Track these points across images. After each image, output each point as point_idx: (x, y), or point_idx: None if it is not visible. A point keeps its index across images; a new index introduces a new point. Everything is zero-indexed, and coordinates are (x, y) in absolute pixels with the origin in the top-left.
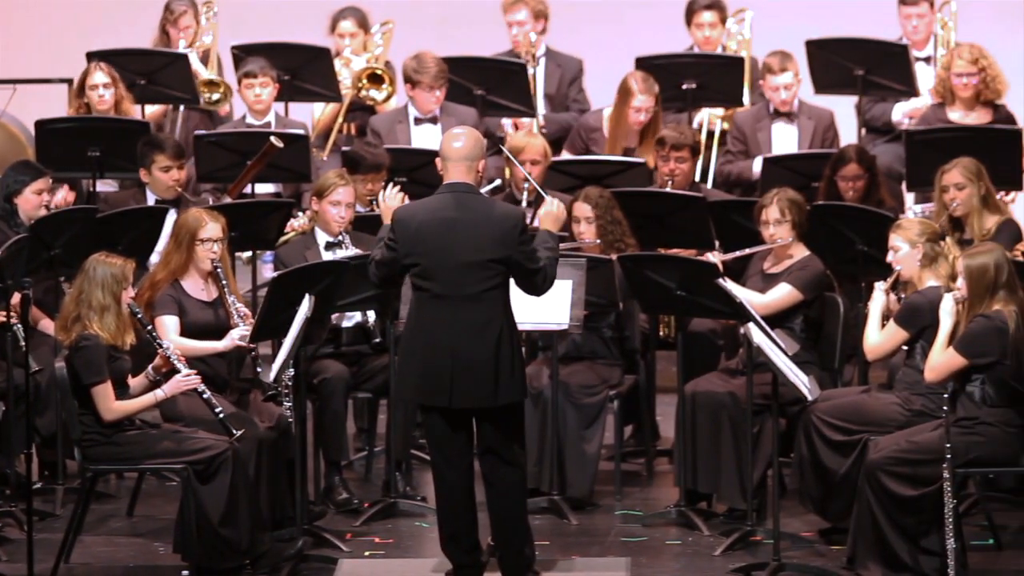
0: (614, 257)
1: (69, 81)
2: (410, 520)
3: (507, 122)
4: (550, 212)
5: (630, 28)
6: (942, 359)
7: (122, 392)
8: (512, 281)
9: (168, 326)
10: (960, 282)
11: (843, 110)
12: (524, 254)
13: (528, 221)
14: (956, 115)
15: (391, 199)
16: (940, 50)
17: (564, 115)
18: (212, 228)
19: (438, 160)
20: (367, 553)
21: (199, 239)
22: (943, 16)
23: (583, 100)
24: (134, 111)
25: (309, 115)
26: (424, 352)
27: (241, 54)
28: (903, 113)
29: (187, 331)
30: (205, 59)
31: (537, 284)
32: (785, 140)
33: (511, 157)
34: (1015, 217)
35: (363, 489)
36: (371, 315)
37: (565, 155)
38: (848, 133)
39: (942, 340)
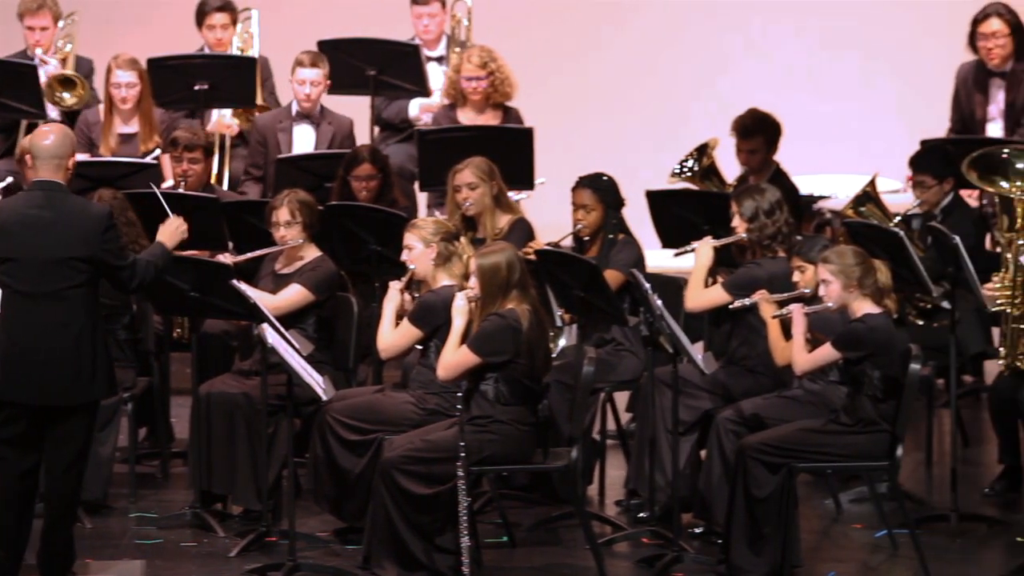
0: None
1: None
2: None
3: (416, 104)
4: (172, 227)
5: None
6: (455, 357)
7: None
8: None
9: None
10: (473, 281)
11: (357, 110)
12: (109, 252)
13: None
14: (467, 117)
15: None
16: (455, 50)
17: None
18: None
19: (28, 157)
20: None
21: None
22: (458, 13)
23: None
24: None
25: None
26: (7, 348)
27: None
28: (420, 108)
29: None
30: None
31: (124, 280)
32: (305, 143)
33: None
34: (527, 216)
35: None
36: None
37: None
38: (362, 134)
39: (454, 339)
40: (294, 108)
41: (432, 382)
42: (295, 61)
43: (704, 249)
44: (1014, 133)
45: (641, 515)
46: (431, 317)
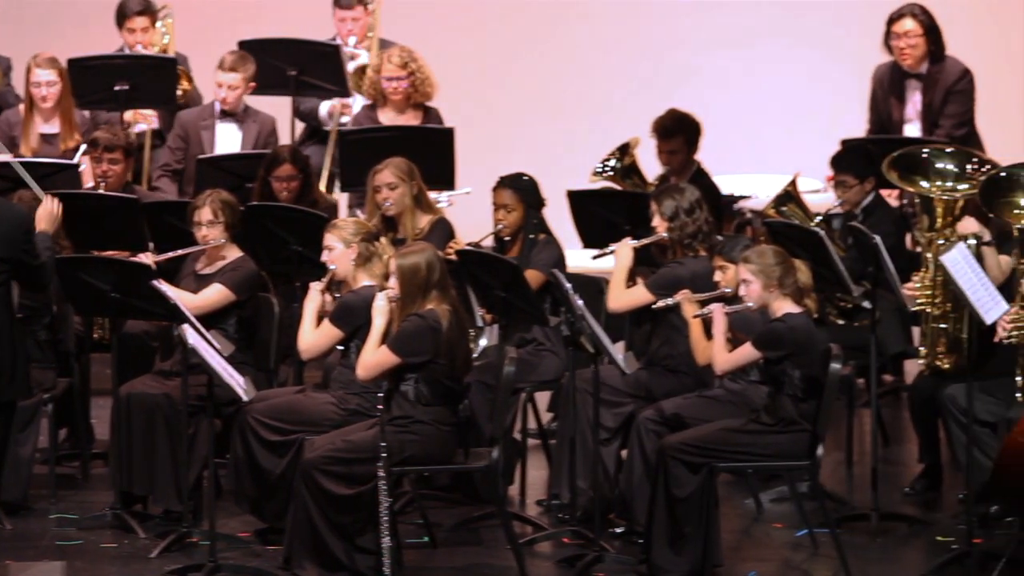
0: None
1: None
2: None
3: (326, 105)
4: (48, 211)
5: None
6: (374, 358)
7: None
8: None
9: None
10: (393, 281)
11: (279, 110)
12: (28, 253)
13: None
14: (387, 117)
15: None
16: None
17: None
18: None
19: None
20: None
21: None
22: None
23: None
24: None
25: None
26: None
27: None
28: (327, 109)
29: None
30: None
31: (40, 279)
32: (228, 142)
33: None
34: (447, 216)
35: None
36: None
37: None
38: (283, 134)
39: (374, 339)
40: (217, 106)
41: (353, 382)
42: (219, 63)
43: (624, 250)
44: (931, 134)
45: (562, 515)
46: (351, 317)
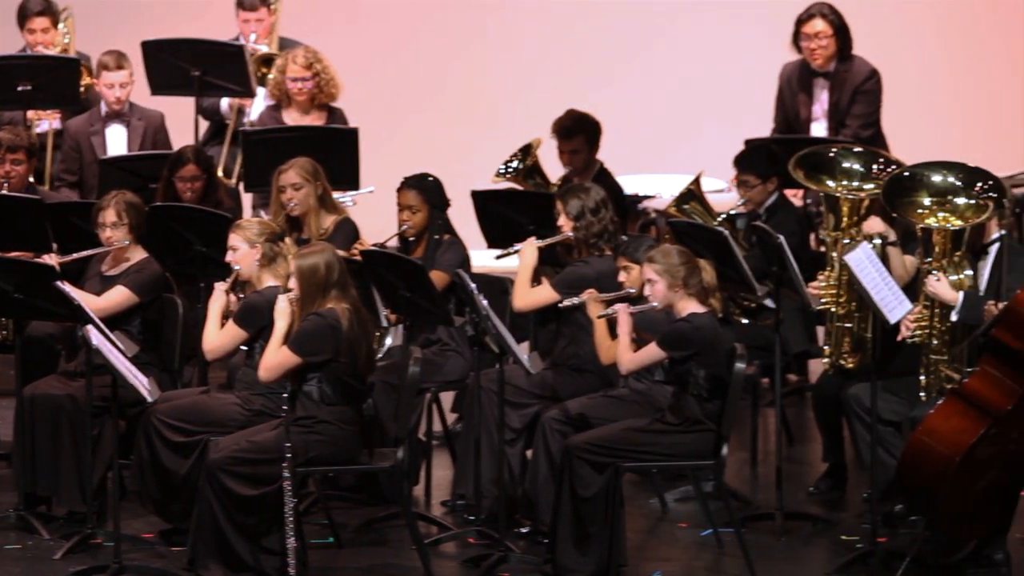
0: None
1: None
2: None
3: (225, 102)
4: None
5: None
6: (276, 358)
7: None
8: None
9: None
10: (292, 282)
11: (182, 111)
12: None
13: None
14: (292, 117)
15: None
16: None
17: None
18: None
19: None
20: None
21: None
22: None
23: None
24: None
25: None
26: None
27: None
28: (227, 103)
29: None
30: None
31: None
32: (118, 142)
33: None
34: (352, 217)
35: None
36: None
37: None
38: (187, 134)
39: (276, 340)
40: (103, 109)
41: (257, 383)
42: (98, 64)
43: (529, 249)
44: (838, 133)
45: (467, 515)
46: (256, 318)
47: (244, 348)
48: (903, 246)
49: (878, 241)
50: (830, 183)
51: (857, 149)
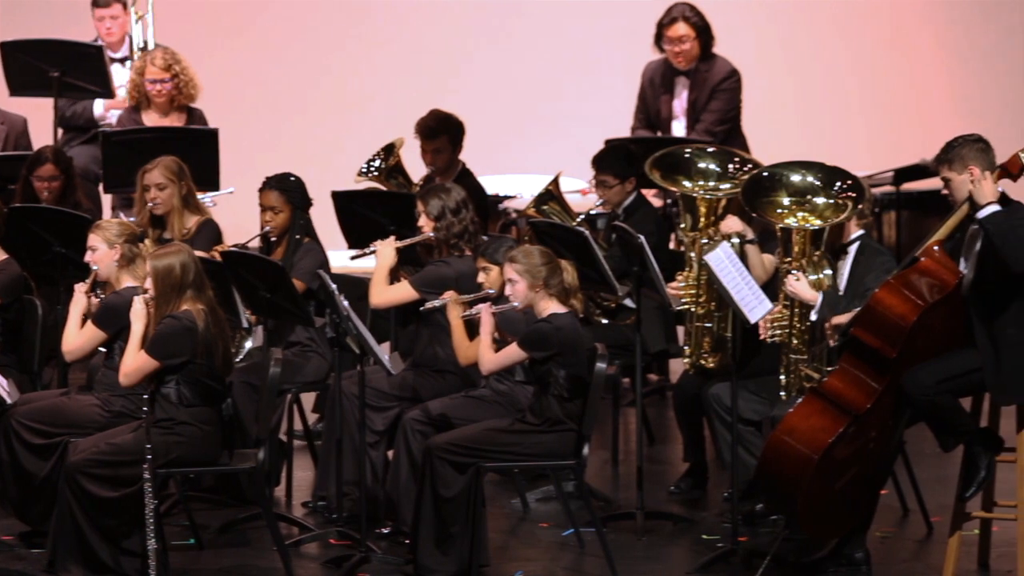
0: None
1: None
2: None
3: (100, 103)
4: None
5: None
6: (134, 363)
7: None
8: None
9: None
10: (148, 282)
11: (40, 112)
12: None
13: None
14: (151, 119)
15: None
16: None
17: None
18: None
19: None
20: None
21: None
22: (139, 12)
23: None
24: None
25: None
26: None
27: None
28: (104, 106)
29: None
30: None
31: None
32: None
33: None
34: (215, 218)
35: None
36: None
37: None
38: (46, 135)
39: (134, 343)
40: None
41: (118, 385)
42: None
43: (386, 249)
44: (694, 131)
45: (328, 516)
46: (114, 318)
47: (102, 349)
48: (761, 245)
49: (736, 240)
50: (687, 183)
51: (711, 149)
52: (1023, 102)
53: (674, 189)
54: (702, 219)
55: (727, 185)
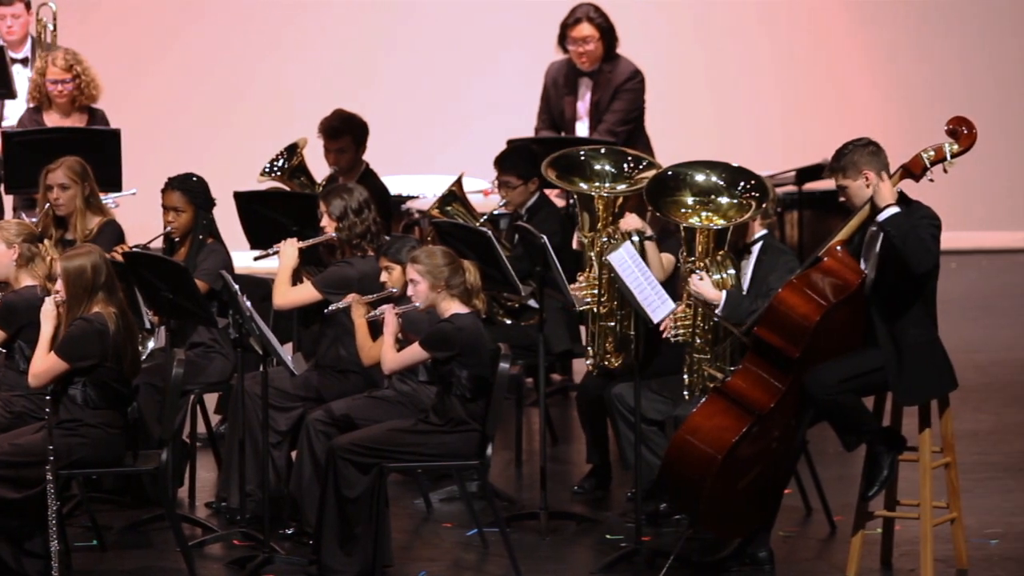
0: None
1: None
2: None
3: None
4: None
5: None
6: (44, 365)
7: None
8: None
9: None
10: (59, 284)
11: None
12: None
13: None
14: (52, 119)
15: None
16: (40, 53)
17: None
18: None
19: None
20: None
21: None
22: (42, 18)
23: None
24: None
25: None
26: None
27: None
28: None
29: None
30: None
31: None
32: None
33: None
34: (117, 218)
35: None
36: None
37: None
38: None
39: (43, 345)
40: None
41: (18, 384)
42: None
43: (288, 250)
44: (596, 131)
45: (232, 517)
46: (14, 318)
47: (3, 349)
48: (660, 243)
49: (636, 238)
50: (583, 184)
51: (604, 150)
52: (942, 99)
53: (571, 189)
54: (600, 220)
55: (623, 185)
